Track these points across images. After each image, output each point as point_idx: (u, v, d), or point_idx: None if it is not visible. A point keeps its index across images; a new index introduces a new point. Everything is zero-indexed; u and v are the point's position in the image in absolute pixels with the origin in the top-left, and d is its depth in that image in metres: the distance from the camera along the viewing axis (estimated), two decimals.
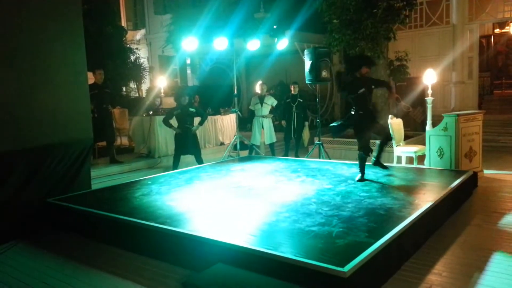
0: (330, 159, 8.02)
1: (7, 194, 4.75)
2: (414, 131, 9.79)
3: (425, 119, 6.91)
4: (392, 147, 7.37)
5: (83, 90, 5.74)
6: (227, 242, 3.40)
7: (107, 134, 8.09)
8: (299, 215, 4.08)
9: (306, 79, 8.09)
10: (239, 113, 9.31)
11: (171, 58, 17.10)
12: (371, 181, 5.47)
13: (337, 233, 3.52)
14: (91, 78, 7.24)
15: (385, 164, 5.89)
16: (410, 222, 3.70)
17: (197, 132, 7.78)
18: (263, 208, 4.44)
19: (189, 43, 8.42)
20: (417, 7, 11.26)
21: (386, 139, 5.69)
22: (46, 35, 5.21)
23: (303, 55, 8.30)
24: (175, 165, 7.45)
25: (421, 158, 6.93)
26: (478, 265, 3.43)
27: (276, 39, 8.48)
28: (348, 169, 6.26)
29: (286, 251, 3.16)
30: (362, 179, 5.50)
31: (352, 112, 5.46)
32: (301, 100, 9.05)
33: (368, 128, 5.49)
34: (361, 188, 5.13)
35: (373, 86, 5.54)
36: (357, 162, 5.63)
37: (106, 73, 8.61)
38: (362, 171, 5.58)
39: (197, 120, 7.70)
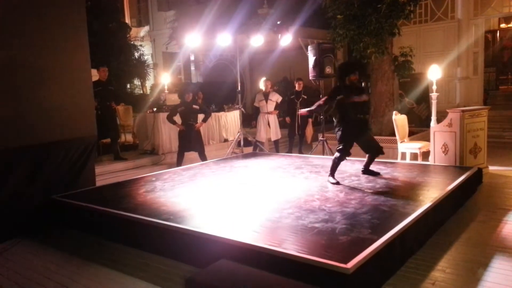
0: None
1: (12, 191, 4.78)
2: (419, 127, 9.75)
3: (430, 115, 6.88)
4: (397, 143, 7.34)
5: (87, 87, 5.75)
6: (230, 239, 3.41)
7: (111, 131, 8.12)
8: (303, 212, 4.07)
9: (309, 75, 8.06)
10: (242, 109, 9.30)
11: (175, 55, 17.13)
12: (375, 177, 5.46)
13: (340, 229, 3.52)
14: (95, 75, 7.26)
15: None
16: (413, 218, 3.68)
17: (201, 129, 7.78)
18: (267, 204, 4.45)
19: (193, 40, 8.42)
20: (422, 2, 11.20)
21: (377, 153, 5.41)
22: (49, 32, 5.21)
23: (307, 51, 8.27)
24: (179, 162, 7.46)
25: (425, 154, 6.90)
26: (482, 261, 3.42)
27: (279, 35, 8.44)
28: (352, 165, 6.25)
29: (289, 248, 3.16)
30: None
31: (335, 121, 5.19)
32: (305, 97, 9.02)
33: (355, 137, 5.26)
34: (364, 184, 5.12)
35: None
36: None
37: (110, 70, 8.62)
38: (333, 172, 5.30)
39: (201, 117, 7.70)
